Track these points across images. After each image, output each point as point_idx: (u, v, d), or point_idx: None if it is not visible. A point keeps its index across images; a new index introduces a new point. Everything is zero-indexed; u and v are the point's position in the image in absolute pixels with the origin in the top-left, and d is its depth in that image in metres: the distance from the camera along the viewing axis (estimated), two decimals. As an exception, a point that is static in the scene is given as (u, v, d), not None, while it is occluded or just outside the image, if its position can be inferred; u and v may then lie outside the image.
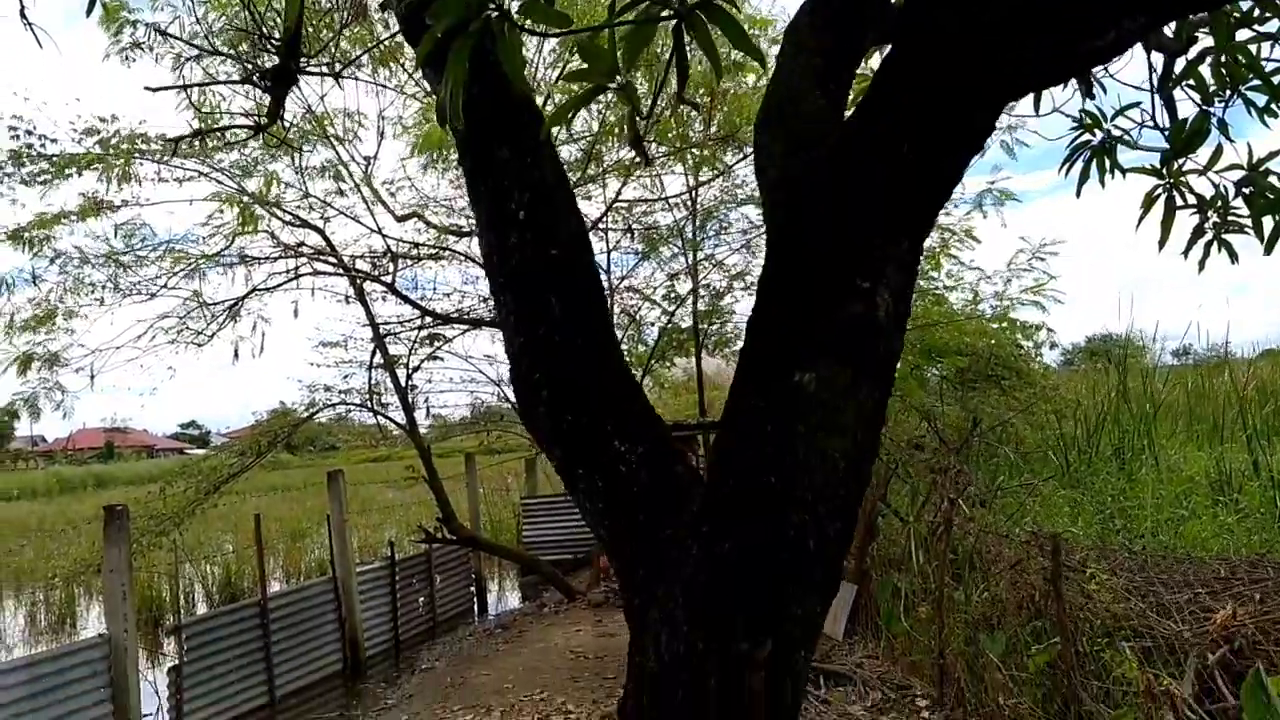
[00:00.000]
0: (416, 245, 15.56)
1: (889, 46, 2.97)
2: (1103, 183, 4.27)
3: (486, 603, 18.49)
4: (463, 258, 15.76)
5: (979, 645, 7.99)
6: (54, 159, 12.24)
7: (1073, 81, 4.23)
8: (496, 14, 2.21)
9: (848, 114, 3.11)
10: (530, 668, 12.06)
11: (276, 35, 6.73)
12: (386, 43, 10.70)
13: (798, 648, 2.78)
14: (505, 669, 12.18)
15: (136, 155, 12.40)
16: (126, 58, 10.92)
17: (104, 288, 13.50)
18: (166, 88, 8.88)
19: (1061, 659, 7.02)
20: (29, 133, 12.09)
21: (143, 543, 13.30)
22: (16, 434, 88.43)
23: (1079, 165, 4.27)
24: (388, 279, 15.16)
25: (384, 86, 12.83)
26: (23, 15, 7.87)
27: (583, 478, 3.27)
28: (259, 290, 14.26)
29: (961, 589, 8.83)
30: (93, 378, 13.50)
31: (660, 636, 2.86)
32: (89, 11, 8.06)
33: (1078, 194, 4.32)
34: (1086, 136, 4.27)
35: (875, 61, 4.74)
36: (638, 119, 2.76)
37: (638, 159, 13.45)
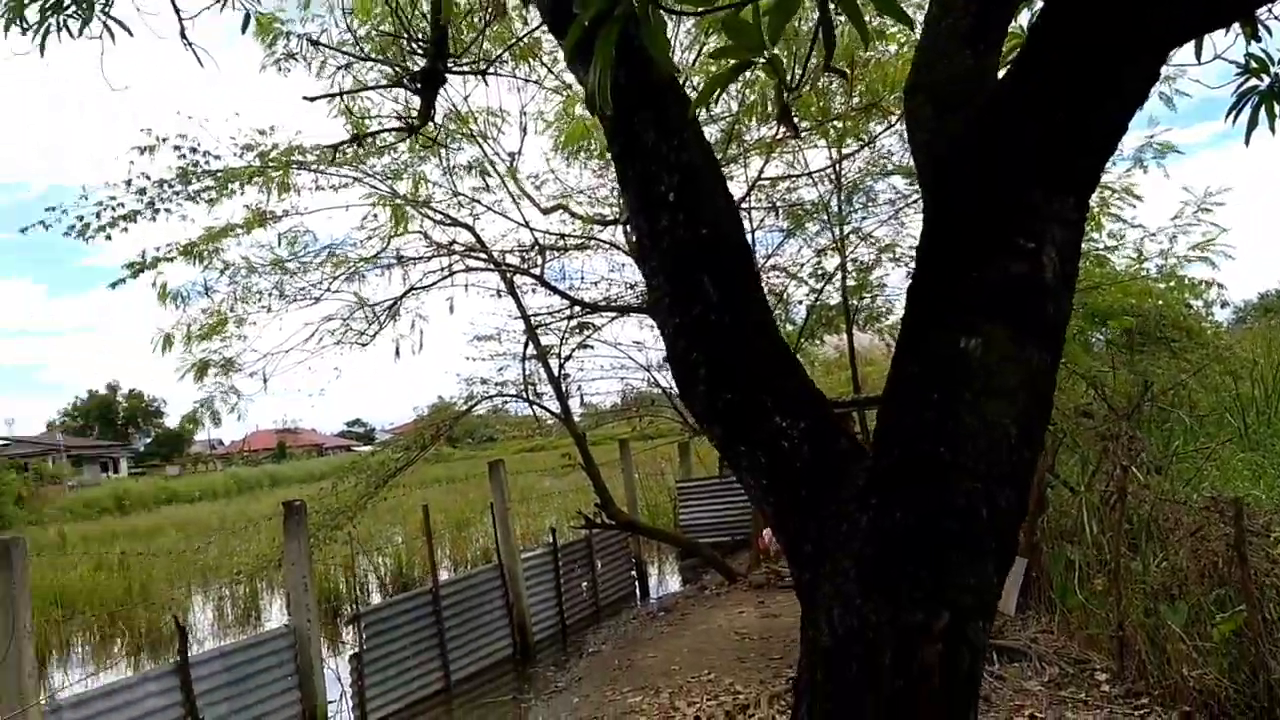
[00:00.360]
0: (563, 236, 15.80)
1: (1039, 3, 2.88)
2: (1273, 129, 4.05)
3: (648, 586, 18.70)
4: (608, 246, 15.93)
5: (1159, 616, 7.72)
6: (218, 175, 12.78)
7: (1235, 25, 4.02)
8: (640, -1, 2.24)
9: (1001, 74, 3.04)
10: (695, 649, 12.13)
11: (422, 39, 6.92)
12: (526, 38, 10.87)
13: (973, 618, 2.74)
14: (671, 651, 12.29)
15: (294, 165, 12.90)
16: (281, 69, 11.34)
17: (270, 295, 14.14)
18: (321, 96, 9.21)
19: (1248, 627, 6.73)
20: (193, 150, 12.65)
21: (319, 536, 13.87)
22: (196, 439, 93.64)
23: (1247, 112, 4.06)
24: (536, 271, 15.43)
25: (526, 81, 13.03)
26: (183, 36, 8.26)
27: (744, 455, 3.28)
28: (415, 289, 14.71)
29: (1138, 559, 8.53)
30: (265, 381, 14.16)
31: (832, 611, 2.85)
32: (244, 28, 8.41)
33: (1246, 142, 4.10)
34: (1253, 82, 4.05)
35: (1025, 19, 4.60)
36: (784, 92, 2.75)
37: (782, 134, 13.33)
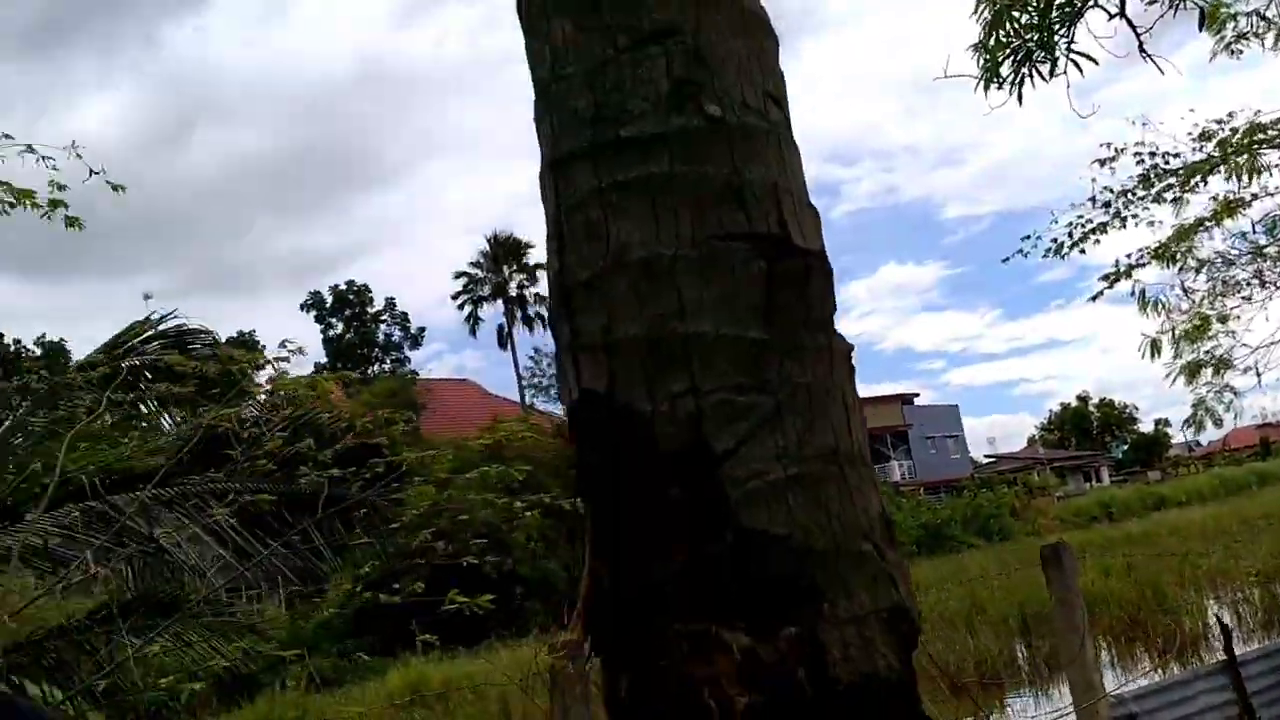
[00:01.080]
0: None
1: None
2: None
3: None
4: None
5: None
6: (1179, 173, 12.71)
7: None
8: None
9: None
10: None
11: None
12: None
13: None
14: None
15: (1259, 145, 12.29)
16: (1232, 52, 10.96)
17: (1250, 284, 13.58)
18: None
19: None
20: (1151, 155, 12.75)
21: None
22: (1173, 442, 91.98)
23: None
24: None
25: None
26: (1141, 50, 8.55)
27: None
28: None
29: None
30: (1259, 376, 13.54)
31: None
32: (1200, 26, 8.44)
33: None
34: None
35: None
36: None
37: None
